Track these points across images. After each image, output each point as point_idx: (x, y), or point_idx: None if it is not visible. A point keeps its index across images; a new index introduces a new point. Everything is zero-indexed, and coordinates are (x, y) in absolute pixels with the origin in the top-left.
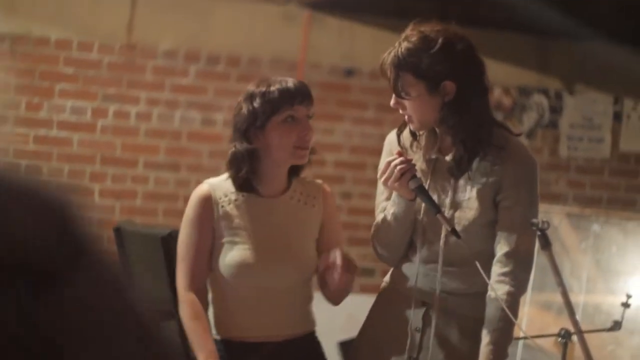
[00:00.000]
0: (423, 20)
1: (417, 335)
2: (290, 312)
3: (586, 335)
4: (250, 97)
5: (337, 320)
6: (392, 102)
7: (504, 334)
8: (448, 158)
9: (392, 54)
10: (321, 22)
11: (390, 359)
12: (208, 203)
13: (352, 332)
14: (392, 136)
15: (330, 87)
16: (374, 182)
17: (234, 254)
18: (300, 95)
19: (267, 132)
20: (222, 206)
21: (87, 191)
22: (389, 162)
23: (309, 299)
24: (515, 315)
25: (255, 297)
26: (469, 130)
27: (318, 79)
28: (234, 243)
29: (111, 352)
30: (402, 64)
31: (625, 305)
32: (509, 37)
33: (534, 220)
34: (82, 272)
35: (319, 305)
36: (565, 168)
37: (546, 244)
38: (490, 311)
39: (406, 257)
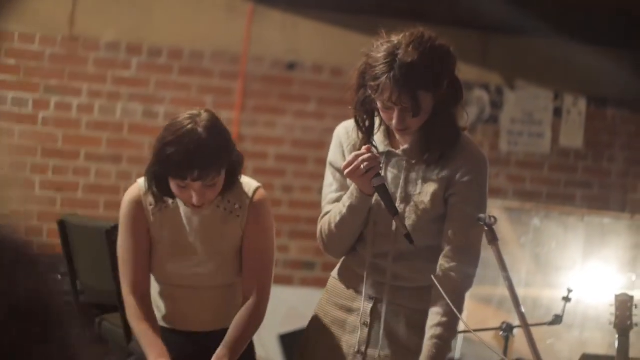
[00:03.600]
0: (387, 32)
1: (366, 330)
2: (213, 311)
3: (531, 332)
4: (160, 136)
5: (277, 314)
6: (399, 124)
7: (448, 329)
8: (400, 152)
9: (399, 79)
10: (264, 15)
11: (339, 353)
12: (139, 206)
13: (293, 325)
14: (341, 129)
15: (273, 81)
16: (315, 176)
17: (155, 258)
18: (191, 172)
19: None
20: (153, 213)
21: (28, 183)
22: (357, 156)
23: (234, 297)
24: (460, 310)
25: (180, 296)
26: (444, 127)
27: (260, 72)
28: (159, 247)
29: None
30: (417, 84)
31: (567, 299)
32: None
33: (481, 216)
34: None
35: None
36: (506, 163)
37: (493, 239)
38: (435, 306)
39: (355, 250)
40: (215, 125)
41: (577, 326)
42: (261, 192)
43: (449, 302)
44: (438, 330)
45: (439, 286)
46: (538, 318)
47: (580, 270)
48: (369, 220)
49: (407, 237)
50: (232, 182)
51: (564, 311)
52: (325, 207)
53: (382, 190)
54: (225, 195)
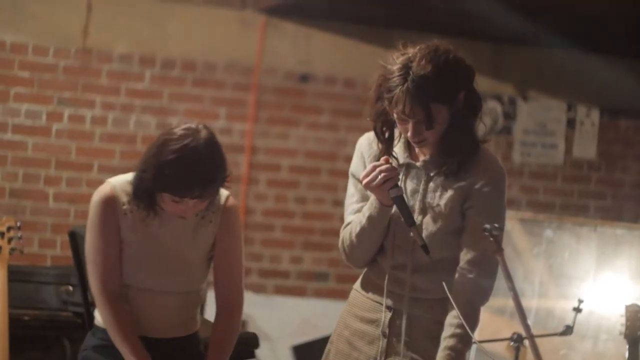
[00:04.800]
0: (404, 44)
1: (385, 340)
2: (176, 316)
3: (539, 340)
4: (156, 151)
5: (290, 325)
6: (414, 136)
7: (462, 341)
8: (419, 163)
9: (412, 92)
10: (277, 28)
11: None
12: (110, 207)
13: (306, 336)
14: (363, 140)
15: (286, 93)
16: (328, 187)
17: (125, 259)
18: (191, 192)
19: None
20: (125, 213)
21: (41, 195)
22: (375, 167)
23: (196, 304)
24: (475, 322)
25: (144, 300)
26: (462, 139)
27: (273, 84)
28: (126, 249)
29: None
30: (430, 97)
31: (577, 310)
32: (462, 42)
33: (486, 226)
34: None
35: (274, 310)
36: (519, 174)
37: (498, 249)
38: (450, 317)
39: (375, 261)
40: (214, 142)
41: (590, 337)
42: (232, 199)
43: (461, 315)
44: (452, 342)
45: (452, 299)
46: (551, 329)
47: (593, 280)
48: (388, 232)
49: (424, 249)
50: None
51: (574, 322)
52: (347, 218)
53: (400, 201)
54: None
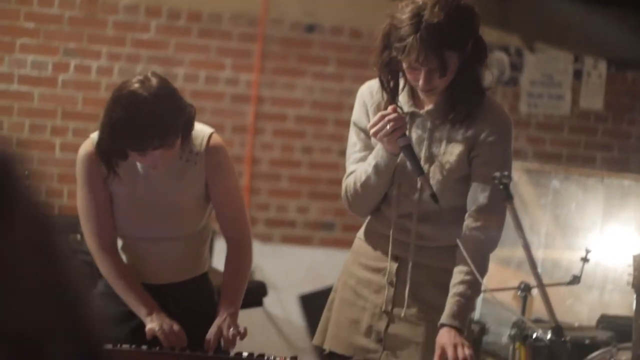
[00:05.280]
0: None
1: (392, 289)
2: (180, 261)
3: (546, 290)
4: (108, 110)
5: (297, 275)
6: (425, 84)
7: (472, 287)
8: (424, 112)
9: (426, 40)
10: None
11: (365, 313)
12: (95, 161)
13: (312, 285)
14: (365, 89)
15: (292, 43)
16: (334, 137)
17: (115, 212)
18: (151, 143)
19: None
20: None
21: (48, 145)
22: (383, 116)
23: (199, 246)
24: (484, 270)
25: (142, 249)
26: (469, 87)
27: (279, 35)
28: (117, 200)
29: (18, 313)
30: (443, 44)
31: (585, 259)
32: None
33: (496, 174)
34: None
35: (280, 259)
36: (525, 125)
37: (508, 197)
38: (459, 265)
39: (379, 210)
40: (165, 88)
41: (597, 287)
42: (216, 136)
43: (470, 262)
44: (461, 288)
45: (462, 246)
46: (558, 279)
47: (600, 231)
48: (393, 181)
49: (433, 197)
50: (188, 136)
51: (581, 272)
52: (350, 167)
53: (408, 150)
54: (185, 145)
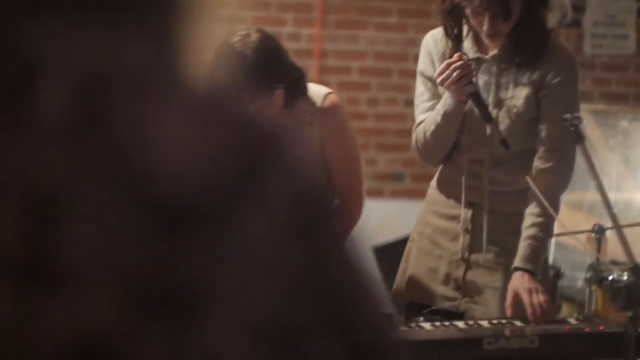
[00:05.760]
0: None
1: (467, 236)
2: None
3: (622, 231)
4: (210, 64)
5: (369, 227)
6: (490, 29)
7: (543, 229)
8: (489, 57)
9: None
10: None
11: (443, 261)
12: None
13: (385, 237)
14: (429, 38)
15: None
16: (399, 88)
17: None
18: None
19: None
20: None
21: None
22: (449, 64)
23: None
24: (556, 211)
25: None
26: (533, 30)
27: None
28: None
29: (245, 314)
30: None
31: None
32: None
33: (566, 116)
34: (234, 219)
35: None
36: (590, 66)
37: (579, 138)
38: (531, 207)
39: (451, 157)
40: (264, 46)
41: None
42: (332, 96)
43: (544, 202)
44: (533, 231)
45: (534, 187)
46: (630, 221)
47: None
48: (463, 128)
49: (503, 143)
50: (293, 99)
51: None
52: (419, 117)
53: (476, 97)
54: (294, 106)
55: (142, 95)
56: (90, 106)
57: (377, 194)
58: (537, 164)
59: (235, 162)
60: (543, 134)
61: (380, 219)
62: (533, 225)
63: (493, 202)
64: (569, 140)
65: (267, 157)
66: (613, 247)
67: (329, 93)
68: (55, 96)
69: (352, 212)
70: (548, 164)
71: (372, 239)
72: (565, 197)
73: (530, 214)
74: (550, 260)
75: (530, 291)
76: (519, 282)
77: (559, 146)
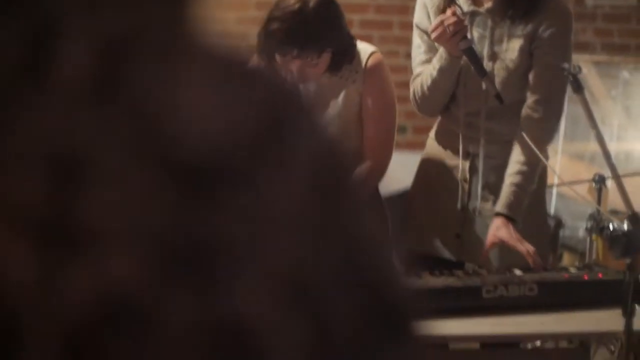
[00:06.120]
0: None
1: (466, 185)
2: None
3: (622, 181)
4: (267, 16)
5: None
6: None
7: (527, 178)
8: (484, 10)
9: None
10: None
11: (442, 211)
12: None
13: (388, 188)
14: None
15: None
16: (400, 40)
17: None
18: (290, 50)
19: None
20: None
21: None
22: (443, 20)
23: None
24: (543, 160)
25: None
26: None
27: None
28: None
29: (267, 274)
30: None
31: None
32: None
33: (565, 65)
34: (254, 179)
35: None
36: (592, 17)
37: (578, 88)
38: (516, 154)
39: (448, 109)
40: (320, 8)
41: None
42: (376, 56)
43: (536, 151)
44: (517, 179)
45: (526, 137)
46: (632, 170)
47: None
48: (459, 81)
49: (497, 97)
50: (339, 65)
51: None
52: (416, 69)
53: (470, 52)
54: (338, 71)
55: (162, 58)
56: (112, 69)
57: None
58: (526, 113)
59: (256, 120)
60: (532, 83)
61: None
62: (518, 173)
63: (489, 152)
64: (559, 91)
65: (287, 115)
66: (614, 197)
67: (374, 52)
68: (76, 59)
69: (375, 168)
70: (536, 115)
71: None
72: (567, 148)
73: (516, 162)
74: (552, 211)
75: (520, 241)
76: (505, 231)
77: (548, 96)
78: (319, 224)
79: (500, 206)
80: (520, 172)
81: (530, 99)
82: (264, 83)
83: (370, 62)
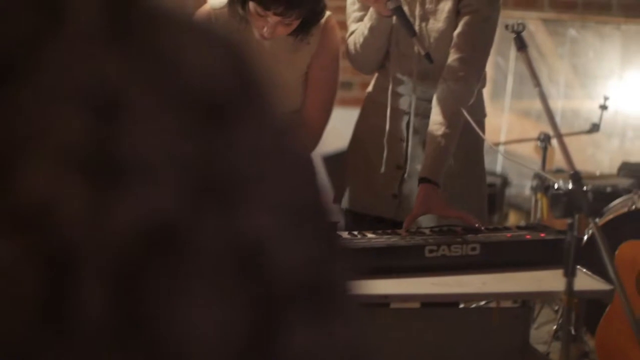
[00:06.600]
0: None
1: (403, 144)
2: None
3: (566, 140)
4: None
5: None
6: None
7: (450, 138)
8: None
9: None
10: None
11: (379, 169)
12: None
13: (334, 145)
14: None
15: None
16: None
17: None
18: (276, 6)
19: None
20: None
21: None
22: None
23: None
24: (460, 121)
25: None
26: None
27: None
28: None
29: (275, 197)
30: None
31: (603, 107)
32: None
33: (509, 22)
34: (257, 113)
35: None
36: None
37: (522, 46)
38: (435, 114)
39: (384, 67)
40: None
41: (617, 135)
42: (331, 19)
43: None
44: (438, 141)
45: (438, 97)
46: (577, 128)
47: (619, 79)
48: (391, 40)
49: (427, 57)
50: (308, 26)
51: (601, 119)
52: (351, 26)
53: (399, 12)
54: (301, 35)
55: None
56: (123, 16)
57: None
58: (449, 71)
59: (240, 66)
60: (457, 42)
61: (329, 127)
62: (438, 135)
63: (423, 112)
64: (482, 49)
65: (252, 67)
66: (560, 155)
67: (330, 15)
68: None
69: (313, 138)
70: (460, 73)
71: (321, 147)
72: (514, 106)
73: (435, 123)
74: (498, 169)
75: (448, 208)
76: (434, 202)
77: (470, 56)
78: (291, 160)
79: (423, 170)
80: (441, 135)
81: (452, 57)
82: (232, 41)
83: (328, 24)
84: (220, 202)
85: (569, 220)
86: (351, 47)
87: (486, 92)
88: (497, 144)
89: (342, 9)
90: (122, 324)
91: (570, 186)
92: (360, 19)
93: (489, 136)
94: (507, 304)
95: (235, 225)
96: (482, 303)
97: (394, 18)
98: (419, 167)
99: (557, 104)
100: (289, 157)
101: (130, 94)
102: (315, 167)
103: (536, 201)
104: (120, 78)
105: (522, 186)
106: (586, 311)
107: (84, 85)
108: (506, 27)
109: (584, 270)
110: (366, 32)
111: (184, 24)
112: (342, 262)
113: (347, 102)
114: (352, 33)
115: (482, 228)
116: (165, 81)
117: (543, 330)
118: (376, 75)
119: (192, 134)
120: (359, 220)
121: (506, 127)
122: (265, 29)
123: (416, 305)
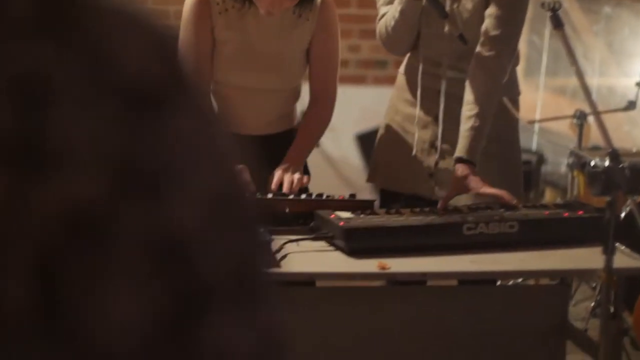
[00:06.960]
0: None
1: (436, 124)
2: (272, 113)
3: (602, 117)
4: None
5: (352, 114)
6: None
7: (483, 118)
8: None
9: None
10: None
11: (414, 150)
12: (205, 4)
13: (368, 124)
14: None
15: None
16: None
17: (217, 59)
18: None
19: None
20: (220, 12)
21: None
22: None
23: (292, 101)
24: (496, 100)
25: (239, 98)
26: None
27: None
28: (222, 48)
29: (200, 189)
30: None
31: (639, 84)
32: None
33: (545, 0)
34: (185, 103)
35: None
36: None
37: (558, 24)
38: (467, 95)
39: (415, 47)
40: None
41: None
42: None
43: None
44: (472, 121)
45: (472, 76)
46: (613, 106)
47: None
48: (422, 22)
49: (460, 38)
50: (304, 5)
51: (637, 96)
52: (381, 9)
53: None
54: (298, 10)
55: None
56: (53, 5)
57: (360, 80)
58: (481, 50)
59: (170, 56)
60: (489, 21)
61: (364, 106)
62: (473, 115)
63: (454, 89)
64: (514, 28)
65: (180, 58)
66: (596, 133)
67: None
68: None
69: (322, 114)
70: (492, 52)
71: (355, 126)
72: (549, 83)
73: (469, 102)
74: (534, 146)
75: (487, 186)
76: (472, 181)
77: (503, 34)
78: (220, 151)
79: (459, 150)
80: (475, 114)
81: (485, 35)
82: (165, 29)
83: (323, 0)
84: (144, 191)
85: (607, 198)
86: (382, 30)
87: (520, 69)
88: (532, 122)
89: None
90: (43, 311)
91: (607, 163)
92: (390, 2)
93: (523, 114)
94: (545, 281)
95: (157, 216)
96: (520, 280)
97: (424, 0)
98: (453, 146)
99: (593, 82)
100: (215, 149)
101: (59, 82)
102: (239, 159)
103: (572, 178)
104: (49, 66)
105: (558, 163)
106: (624, 288)
107: (10, 73)
108: (542, 5)
109: (622, 247)
110: (397, 15)
111: (115, 13)
112: (264, 253)
113: (382, 81)
114: (382, 16)
115: (520, 206)
116: (94, 70)
117: (580, 307)
118: (408, 55)
119: (120, 123)
120: (394, 199)
121: (541, 104)
122: (272, 4)
123: (453, 282)
